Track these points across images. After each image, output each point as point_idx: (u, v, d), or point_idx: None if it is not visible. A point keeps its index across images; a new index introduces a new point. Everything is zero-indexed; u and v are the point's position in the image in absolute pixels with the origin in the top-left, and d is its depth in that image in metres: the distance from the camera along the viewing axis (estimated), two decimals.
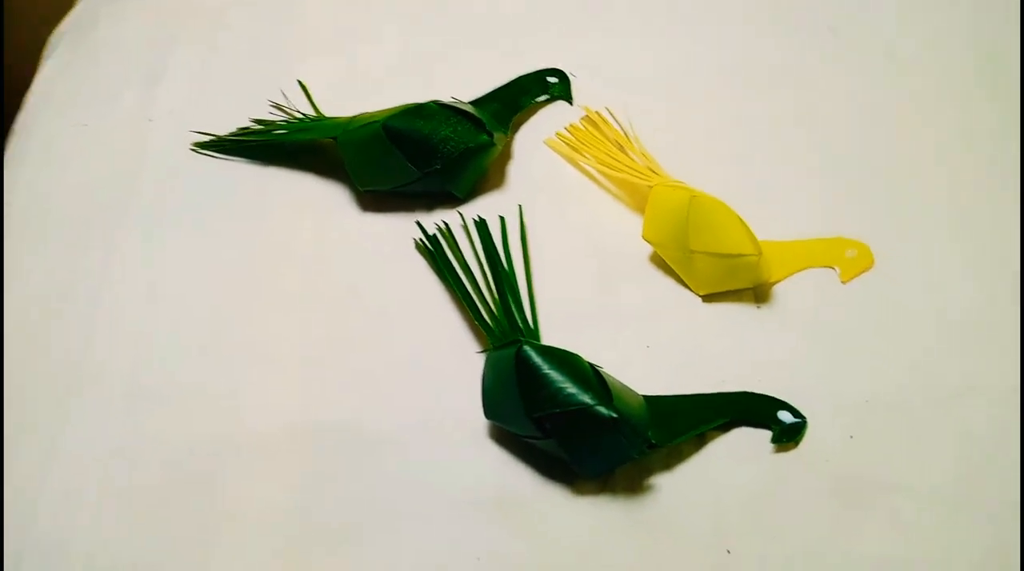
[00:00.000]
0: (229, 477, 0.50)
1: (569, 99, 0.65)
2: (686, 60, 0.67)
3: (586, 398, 0.46)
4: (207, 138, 0.65)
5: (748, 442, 0.49)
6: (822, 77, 0.65)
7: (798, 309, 0.54)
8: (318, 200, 0.62)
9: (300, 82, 0.67)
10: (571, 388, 0.46)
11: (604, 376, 0.48)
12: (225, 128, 0.65)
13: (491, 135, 0.58)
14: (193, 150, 0.65)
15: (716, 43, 0.67)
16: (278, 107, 0.67)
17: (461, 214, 0.59)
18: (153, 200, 0.63)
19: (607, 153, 0.61)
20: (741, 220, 0.53)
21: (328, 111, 0.65)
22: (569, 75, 0.66)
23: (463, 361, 0.53)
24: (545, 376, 0.47)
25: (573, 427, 0.46)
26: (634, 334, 0.54)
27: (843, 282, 0.55)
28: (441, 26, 0.71)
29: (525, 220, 0.59)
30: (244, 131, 0.66)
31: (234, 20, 0.73)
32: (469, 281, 0.55)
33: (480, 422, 0.50)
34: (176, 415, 0.53)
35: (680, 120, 0.63)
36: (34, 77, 0.72)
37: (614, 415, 0.45)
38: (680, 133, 0.62)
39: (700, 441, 0.49)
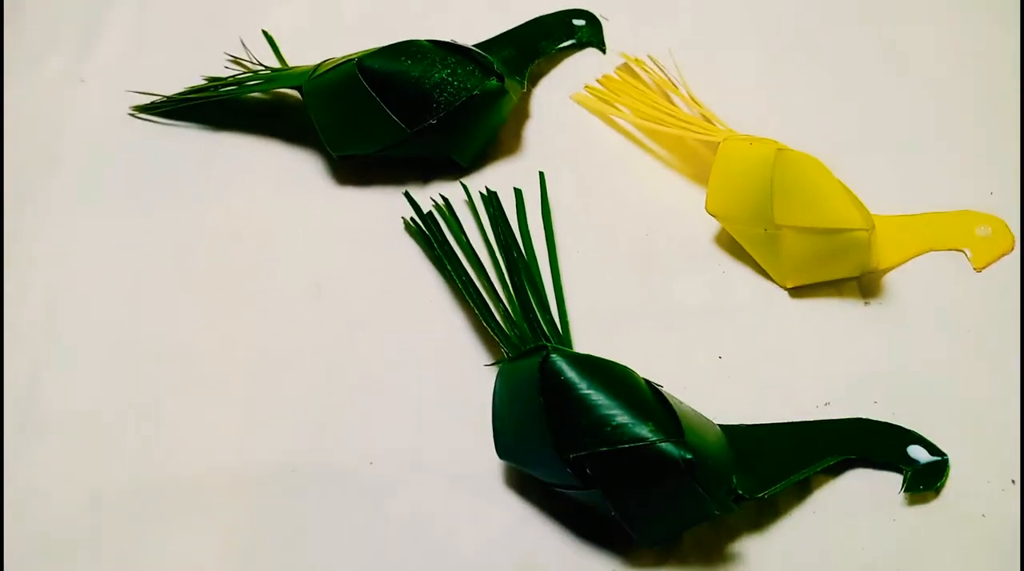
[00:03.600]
0: (149, 529, 0.37)
1: (601, 46, 0.52)
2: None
3: (645, 431, 0.32)
4: (149, 99, 0.52)
5: (869, 490, 0.35)
6: (927, 12, 0.51)
7: (920, 306, 0.40)
8: (281, 171, 0.48)
9: (264, 31, 0.54)
10: (623, 416, 0.32)
11: (668, 398, 0.33)
12: (171, 88, 0.53)
13: (502, 79, 0.45)
14: (131, 114, 0.53)
15: None
16: (236, 61, 0.54)
17: (465, 186, 0.46)
18: (77, 175, 0.50)
19: (652, 104, 0.47)
20: (843, 185, 0.39)
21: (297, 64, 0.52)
22: (600, 17, 0.53)
23: (467, 379, 0.39)
24: (584, 397, 0.33)
25: (627, 473, 0.32)
26: (700, 342, 0.40)
27: (976, 269, 0.41)
28: None
29: (548, 192, 0.45)
30: (193, 89, 0.52)
31: None
32: (476, 272, 0.42)
33: (492, 464, 0.36)
34: (85, 451, 0.40)
35: (744, 73, 0.50)
36: None
37: (688, 455, 0.31)
38: (745, 89, 0.49)
39: (802, 489, 0.35)
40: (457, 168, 0.47)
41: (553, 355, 0.34)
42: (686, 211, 0.44)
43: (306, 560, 0.36)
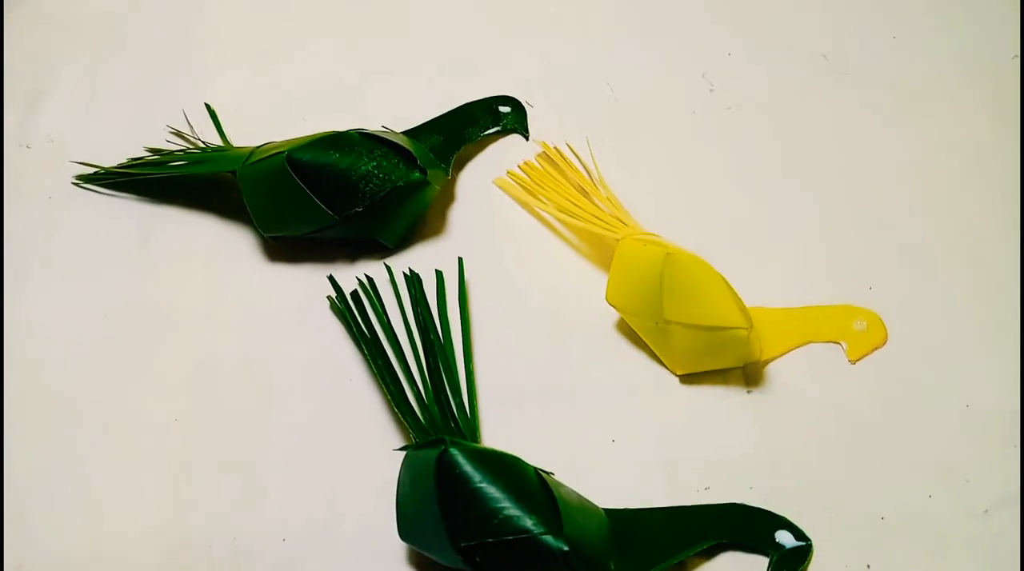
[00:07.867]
0: None
1: (525, 132, 0.55)
2: (662, 90, 0.57)
3: (529, 523, 0.35)
4: (91, 170, 0.55)
5: None
6: (816, 112, 0.55)
7: (797, 395, 0.44)
8: (216, 248, 0.51)
9: (207, 105, 0.57)
10: (510, 509, 0.35)
11: (553, 488, 0.37)
12: (114, 159, 0.55)
13: (424, 172, 0.48)
14: (75, 183, 0.55)
15: (695, 69, 0.57)
16: (178, 134, 0.56)
17: (388, 267, 0.48)
18: (20, 242, 0.52)
19: (567, 197, 0.50)
20: (728, 284, 0.43)
21: (239, 141, 0.55)
22: (525, 104, 0.56)
23: (379, 458, 0.42)
24: (476, 491, 0.36)
25: (512, 561, 0.35)
26: (596, 425, 0.43)
27: (851, 361, 0.45)
28: (378, 45, 0.60)
29: (466, 276, 0.48)
30: (135, 162, 0.55)
31: (132, 31, 0.62)
32: (394, 353, 0.45)
33: (396, 544, 0.39)
34: (16, 519, 0.42)
35: (654, 162, 0.53)
36: None
37: (565, 547, 0.34)
38: (654, 178, 0.52)
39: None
40: (383, 249, 0.50)
41: (451, 449, 0.37)
42: (591, 298, 0.47)
43: None
